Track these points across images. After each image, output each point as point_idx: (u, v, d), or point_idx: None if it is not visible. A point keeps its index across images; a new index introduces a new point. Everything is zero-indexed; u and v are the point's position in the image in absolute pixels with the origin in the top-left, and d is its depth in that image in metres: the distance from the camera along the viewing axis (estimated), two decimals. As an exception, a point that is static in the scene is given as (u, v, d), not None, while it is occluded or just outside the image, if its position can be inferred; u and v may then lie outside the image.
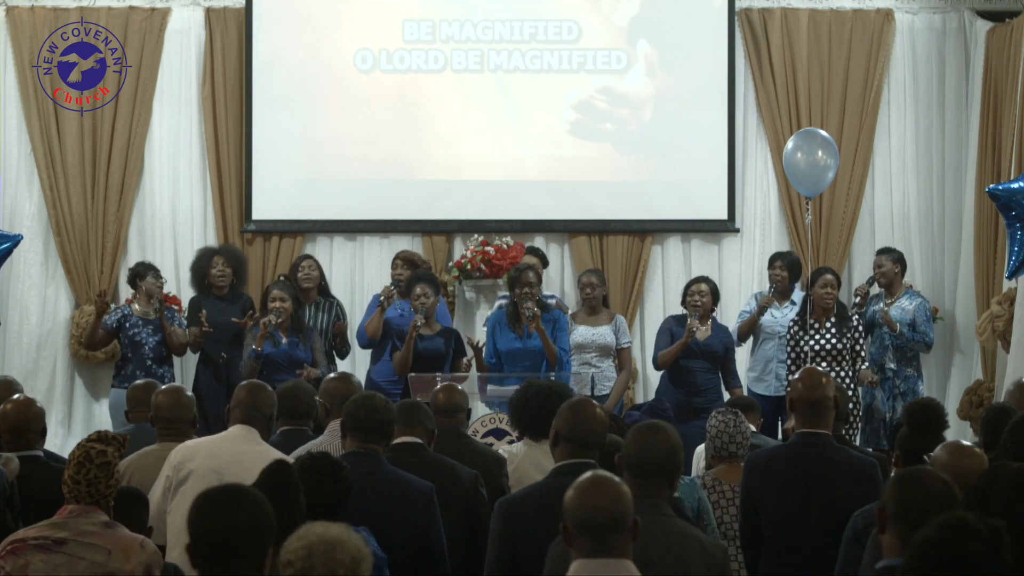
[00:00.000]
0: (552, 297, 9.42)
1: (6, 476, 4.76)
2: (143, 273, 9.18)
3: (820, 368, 8.48)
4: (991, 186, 8.79)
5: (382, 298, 8.70)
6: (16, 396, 5.38)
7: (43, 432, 5.23)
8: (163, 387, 5.82)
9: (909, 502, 3.13)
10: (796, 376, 5.13)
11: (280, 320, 8.40)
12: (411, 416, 5.12)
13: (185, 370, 9.92)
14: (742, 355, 9.42)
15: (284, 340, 8.46)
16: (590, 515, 3.25)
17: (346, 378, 6.05)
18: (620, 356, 8.89)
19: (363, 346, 9.10)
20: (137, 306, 9.10)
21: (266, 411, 5.18)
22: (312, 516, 4.01)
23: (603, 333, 8.82)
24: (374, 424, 4.78)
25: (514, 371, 8.27)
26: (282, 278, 9.09)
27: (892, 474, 3.26)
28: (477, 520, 5.02)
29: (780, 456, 5.02)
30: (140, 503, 4.63)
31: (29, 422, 5.15)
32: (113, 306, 9.94)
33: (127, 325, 9.02)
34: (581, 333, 8.79)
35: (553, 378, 7.47)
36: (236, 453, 4.97)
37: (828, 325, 8.68)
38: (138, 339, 8.98)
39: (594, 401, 4.60)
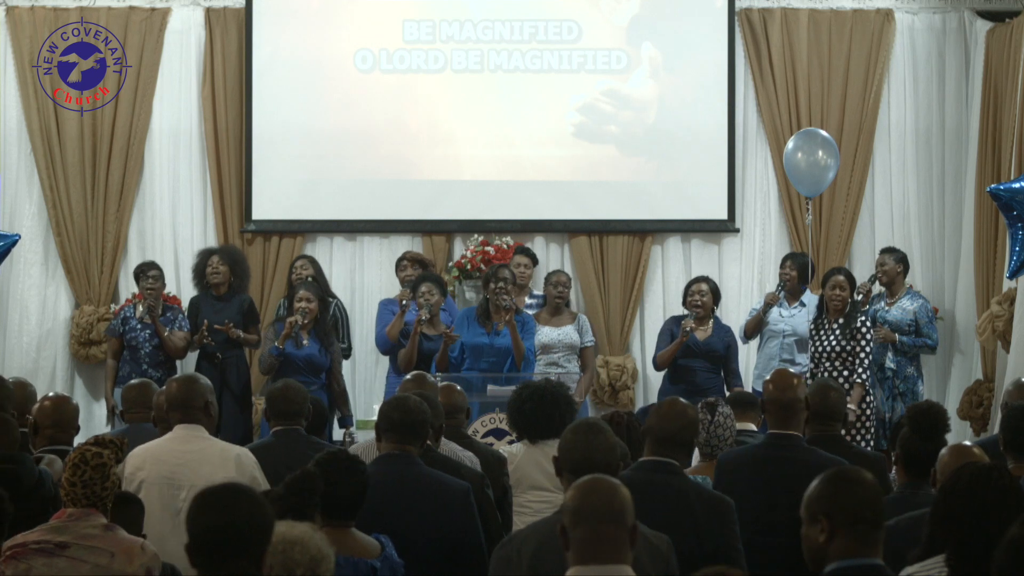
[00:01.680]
0: (541, 296, 9.45)
1: (52, 478, 4.79)
2: (137, 276, 9.24)
3: (825, 368, 8.61)
4: (992, 186, 8.79)
5: (403, 301, 8.71)
6: (52, 393, 5.60)
7: (77, 430, 5.39)
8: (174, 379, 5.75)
9: (850, 504, 3.18)
10: (768, 378, 5.14)
11: (306, 321, 8.38)
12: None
13: (184, 370, 9.92)
14: (750, 353, 9.42)
15: (306, 342, 8.43)
16: (588, 519, 3.23)
17: (420, 379, 5.92)
18: (583, 355, 8.90)
19: (384, 352, 9.09)
20: (140, 307, 9.14)
21: (200, 402, 5.13)
22: (329, 513, 4.05)
23: (567, 333, 8.83)
24: (408, 425, 4.76)
25: (477, 366, 8.28)
26: (310, 279, 9.07)
27: (823, 478, 3.28)
28: (483, 520, 5.03)
29: (748, 457, 5.04)
30: (134, 505, 4.64)
31: (65, 418, 5.31)
32: (113, 306, 9.96)
33: (126, 328, 9.06)
34: (546, 334, 8.79)
35: (553, 379, 7.47)
36: (182, 455, 5.00)
37: (835, 326, 8.69)
38: (135, 343, 9.04)
39: (683, 400, 4.56)
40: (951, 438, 4.98)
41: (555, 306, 8.93)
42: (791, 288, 9.37)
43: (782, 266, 9.52)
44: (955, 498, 3.49)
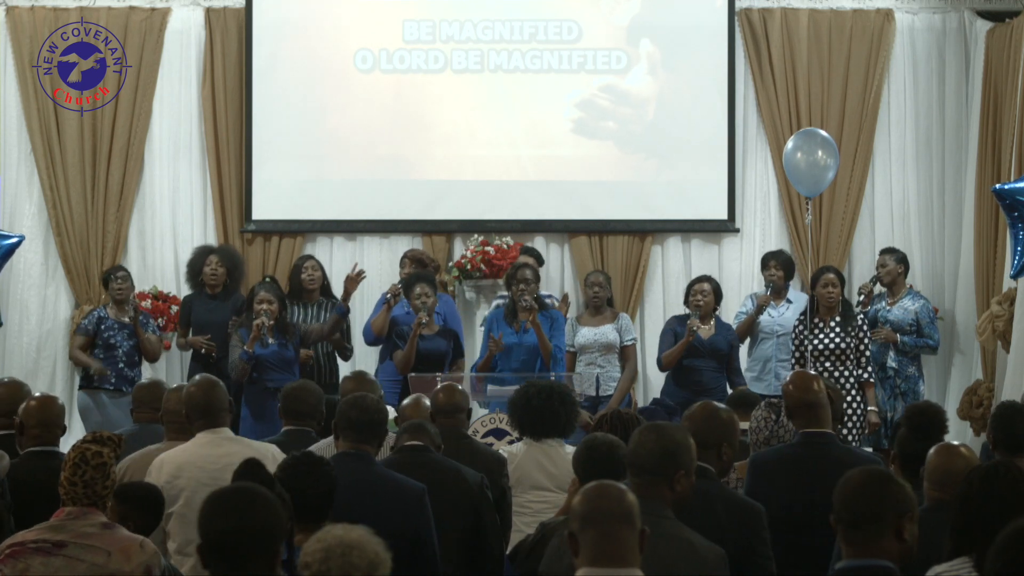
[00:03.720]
0: (549, 296, 9.46)
1: (1, 475, 4.78)
2: (106, 281, 9.34)
3: (824, 367, 8.61)
4: (996, 186, 8.80)
5: (389, 296, 8.72)
6: (38, 393, 5.60)
7: (63, 429, 5.38)
8: (196, 380, 5.63)
9: (876, 502, 3.21)
10: (787, 380, 5.13)
11: (270, 322, 8.37)
12: (418, 431, 5.17)
13: (170, 369, 10.00)
14: (741, 355, 9.42)
15: (271, 341, 8.42)
16: (599, 521, 3.22)
17: (360, 377, 5.98)
18: (624, 353, 8.91)
19: (369, 343, 9.12)
20: (111, 308, 9.22)
21: (224, 403, 5.22)
22: (299, 516, 4.02)
23: (605, 332, 8.84)
24: (365, 424, 4.78)
25: (508, 365, 8.32)
26: (267, 279, 9.09)
27: (875, 480, 3.28)
28: (481, 521, 5.03)
29: (785, 456, 5.01)
30: (153, 496, 4.63)
31: (50, 418, 5.32)
32: (88, 308, 9.99)
33: (102, 327, 9.12)
34: (583, 334, 8.82)
35: (554, 377, 7.51)
36: (219, 459, 5.02)
37: (832, 324, 8.70)
38: (112, 341, 9.10)
39: (716, 403, 4.54)
40: (952, 439, 4.99)
41: (595, 307, 8.96)
42: (778, 287, 9.41)
43: (765, 267, 9.52)
44: (971, 503, 3.49)
